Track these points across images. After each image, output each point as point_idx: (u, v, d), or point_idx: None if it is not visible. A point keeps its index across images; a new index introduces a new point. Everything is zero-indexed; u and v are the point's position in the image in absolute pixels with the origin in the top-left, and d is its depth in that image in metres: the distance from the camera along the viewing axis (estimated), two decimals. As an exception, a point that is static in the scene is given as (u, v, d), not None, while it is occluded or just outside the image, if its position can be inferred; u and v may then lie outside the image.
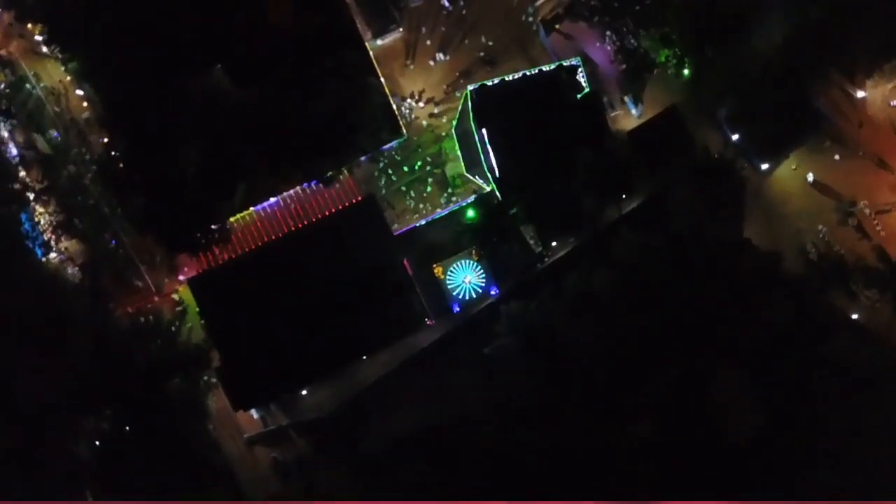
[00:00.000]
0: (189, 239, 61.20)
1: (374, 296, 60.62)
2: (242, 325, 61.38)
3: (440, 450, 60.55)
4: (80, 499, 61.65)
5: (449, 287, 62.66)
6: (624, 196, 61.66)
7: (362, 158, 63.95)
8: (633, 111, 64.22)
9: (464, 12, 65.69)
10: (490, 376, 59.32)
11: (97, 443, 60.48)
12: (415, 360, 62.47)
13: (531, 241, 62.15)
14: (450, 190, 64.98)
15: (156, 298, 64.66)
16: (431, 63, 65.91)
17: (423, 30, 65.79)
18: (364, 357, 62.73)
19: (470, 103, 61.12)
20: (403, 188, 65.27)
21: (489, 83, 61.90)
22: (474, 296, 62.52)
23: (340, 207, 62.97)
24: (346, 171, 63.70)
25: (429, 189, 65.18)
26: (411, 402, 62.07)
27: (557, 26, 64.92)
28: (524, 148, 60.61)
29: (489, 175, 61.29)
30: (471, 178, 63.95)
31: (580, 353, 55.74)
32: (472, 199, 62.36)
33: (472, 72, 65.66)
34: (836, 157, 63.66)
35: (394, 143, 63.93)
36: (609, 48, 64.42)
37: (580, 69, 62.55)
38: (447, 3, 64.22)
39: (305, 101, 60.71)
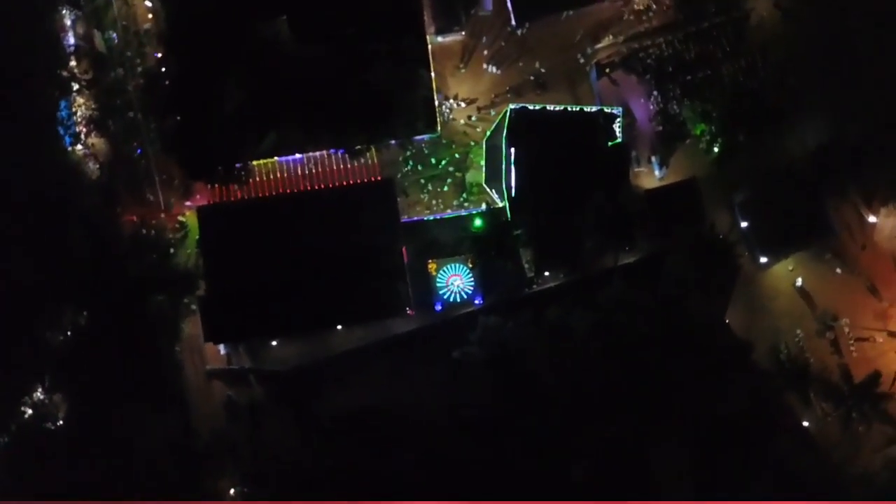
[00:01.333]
0: (210, 169, 63.06)
1: (366, 273, 62.38)
2: (235, 263, 63.25)
3: (382, 432, 62.49)
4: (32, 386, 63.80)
5: (437, 285, 64.46)
6: (625, 248, 63.69)
7: (392, 142, 65.80)
8: (657, 172, 66.16)
9: (525, 34, 67.34)
10: (451, 378, 61.09)
11: (68, 334, 62.66)
12: (385, 343, 64.24)
13: (526, 265, 63.88)
14: (464, 195, 66.87)
15: (162, 215, 66.33)
16: (482, 73, 67.69)
17: (484, 39, 67.43)
18: (339, 327, 64.68)
19: (507, 121, 62.88)
20: (422, 181, 67.18)
21: (530, 107, 63.80)
22: (458, 300, 64.33)
23: (359, 181, 64.79)
24: (373, 149, 65.47)
25: (445, 189, 67.13)
26: (370, 381, 63.78)
27: (609, 72, 66.80)
28: (545, 177, 62.46)
29: (505, 192, 63.18)
30: (487, 189, 65.82)
31: (541, 381, 57.79)
32: (482, 209, 64.40)
33: (519, 92, 67.38)
34: (838, 270, 65.66)
35: (426, 137, 65.77)
36: (651, 107, 66.28)
37: (619, 119, 64.39)
38: (513, 22, 65.76)
39: (356, 73, 62.47)
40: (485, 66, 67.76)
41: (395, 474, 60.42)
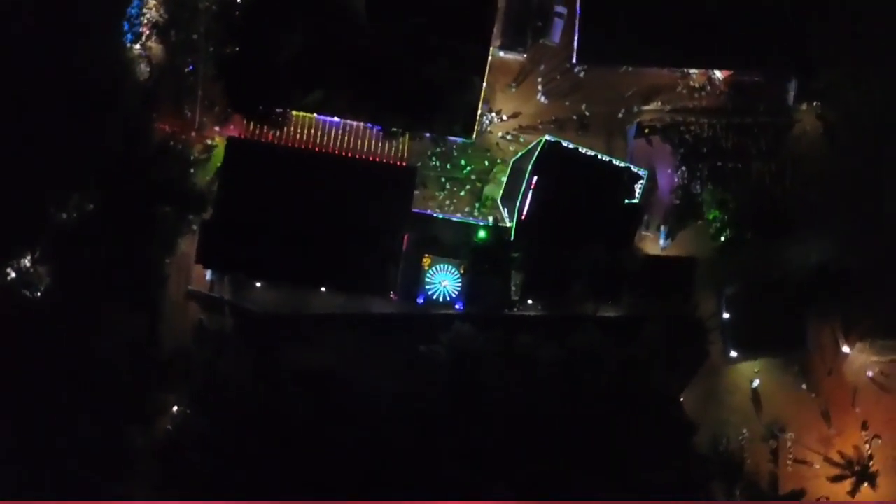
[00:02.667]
0: (252, 106, 65.12)
1: (364, 247, 64.34)
2: (246, 199, 65.38)
3: (333, 400, 64.18)
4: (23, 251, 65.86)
5: (426, 280, 66.35)
6: (608, 302, 65.82)
7: (427, 135, 67.83)
8: (661, 241, 68.13)
9: (582, 75, 69.37)
10: (411, 369, 63.08)
11: (73, 215, 64.79)
12: (361, 317, 66.28)
13: (513, 287, 65.83)
14: (477, 205, 68.83)
15: (193, 134, 68.31)
16: (531, 97, 69.67)
17: (542, 67, 69.39)
18: (323, 289, 66.69)
19: (539, 149, 64.90)
20: (443, 179, 69.17)
21: (564, 143, 65.81)
22: (441, 300, 66.32)
23: (384, 161, 66.90)
24: (407, 136, 67.43)
25: (462, 193, 69.12)
26: (335, 349, 65.31)
27: (647, 134, 68.60)
28: (557, 212, 64.54)
29: (515, 214, 65.18)
30: (500, 206, 67.75)
31: (492, 398, 59.79)
32: (489, 223, 66.42)
33: (561, 126, 69.11)
34: (804, 386, 67.64)
35: (459, 140, 67.82)
36: (675, 180, 68.17)
37: (642, 181, 66.36)
38: (574, 60, 67.73)
39: (414, 61, 64.55)
40: (536, 93, 69.57)
41: (332, 444, 62.27)
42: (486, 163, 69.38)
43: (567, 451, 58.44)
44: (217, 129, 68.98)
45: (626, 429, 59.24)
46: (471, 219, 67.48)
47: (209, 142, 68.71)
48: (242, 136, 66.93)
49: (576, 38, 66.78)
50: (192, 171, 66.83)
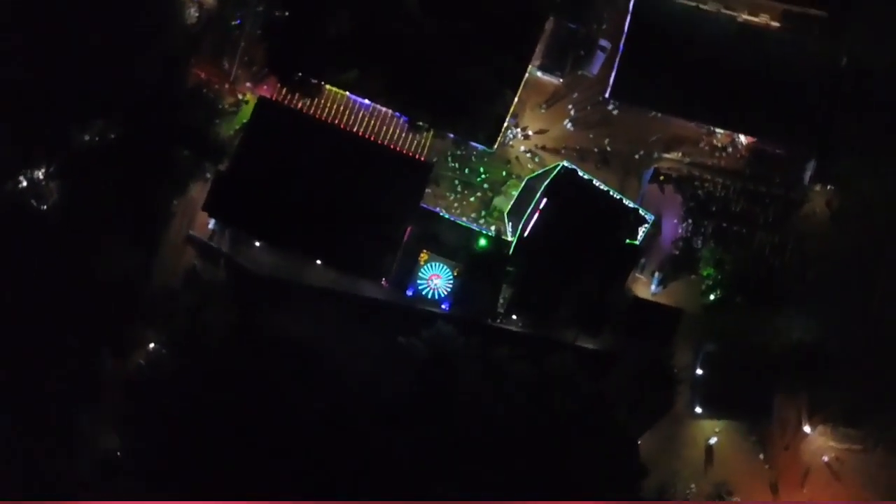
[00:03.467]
0: (290, 71, 66.39)
1: (367, 229, 65.48)
2: (264, 159, 66.36)
3: (302, 372, 65.31)
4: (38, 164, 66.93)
5: (419, 274, 67.53)
6: (589, 334, 67.09)
7: (450, 135, 69.20)
8: (653, 287, 69.36)
9: (612, 111, 70.62)
10: (385, 357, 64.21)
11: (95, 139, 65.98)
12: (348, 297, 67.35)
13: (501, 300, 67.07)
14: (484, 213, 70.08)
15: (226, 86, 69.72)
16: (558, 122, 70.85)
17: (575, 95, 70.65)
18: (319, 262, 67.90)
19: (554, 173, 66.16)
20: (456, 182, 70.38)
21: (580, 173, 66.97)
22: (430, 296, 67.51)
23: (403, 151, 68.09)
24: (431, 133, 68.66)
25: (471, 199, 70.35)
26: (316, 323, 66.26)
27: (662, 181, 70.02)
28: (558, 238, 65.69)
29: (518, 231, 66.37)
30: (505, 219, 68.89)
31: (457, 401, 61.10)
32: (491, 233, 67.62)
33: (580, 155, 70.32)
34: (761, 456, 68.79)
35: (480, 147, 69.10)
36: (679, 231, 69.51)
37: (647, 225, 67.49)
38: (608, 95, 68.98)
39: (453, 62, 65.87)
40: (564, 119, 70.75)
41: (293, 411, 63.37)
42: (503, 174, 70.58)
43: (517, 466, 59.71)
44: (250, 86, 70.30)
45: (580, 458, 60.45)
46: (475, 225, 68.55)
47: (240, 97, 70.02)
48: (273, 98, 68.06)
49: (613, 74, 67.94)
50: (217, 121, 67.93)
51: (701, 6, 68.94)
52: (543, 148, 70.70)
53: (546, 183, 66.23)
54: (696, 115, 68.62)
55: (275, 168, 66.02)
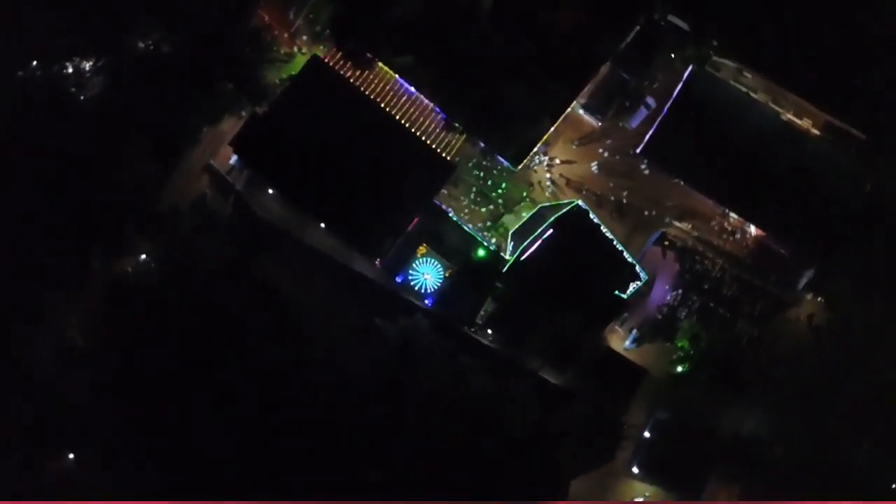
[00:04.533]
0: (350, 39, 68.32)
1: (376, 209, 67.12)
2: (299, 113, 67.77)
3: (278, 326, 67.36)
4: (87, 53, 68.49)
5: (413, 265, 69.09)
6: (554, 368, 68.80)
7: (481, 144, 70.94)
8: (627, 342, 70.83)
9: (639, 166, 72.04)
10: (358, 332, 66.47)
11: (149, 47, 67.62)
12: (340, 266, 68.84)
13: (482, 312, 68.75)
14: (491, 225, 71.63)
15: (286, 35, 71.41)
16: (585, 161, 72.39)
17: (608, 141, 72.19)
18: (323, 225, 69.34)
19: (566, 210, 67.80)
20: (473, 188, 72.01)
21: (591, 216, 68.42)
22: (417, 288, 69.16)
23: (433, 147, 69.56)
24: (463, 137, 70.34)
25: (482, 209, 71.93)
26: (303, 283, 68.58)
27: (666, 246, 71.53)
28: (553, 270, 67.13)
29: (517, 252, 67.80)
30: (509, 238, 70.52)
31: (413, 392, 63.14)
32: (492, 246, 69.14)
33: (597, 199, 71.61)
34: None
35: (505, 163, 70.75)
36: (667, 298, 71.09)
37: (639, 283, 68.86)
38: (639, 150, 70.37)
39: (505, 77, 67.65)
40: (592, 160, 72.24)
41: (256, 361, 65.72)
42: (519, 195, 72.10)
43: (449, 472, 61.90)
44: (307, 41, 71.89)
45: (508, 479, 62.73)
46: (478, 235, 69.98)
47: (295, 49, 71.64)
48: (326, 60, 69.63)
49: (651, 132, 69.33)
50: (267, 65, 69.65)
51: (752, 94, 70.46)
52: (565, 182, 72.20)
53: (556, 215, 67.79)
54: (716, 195, 69.86)
55: (308, 126, 67.46)
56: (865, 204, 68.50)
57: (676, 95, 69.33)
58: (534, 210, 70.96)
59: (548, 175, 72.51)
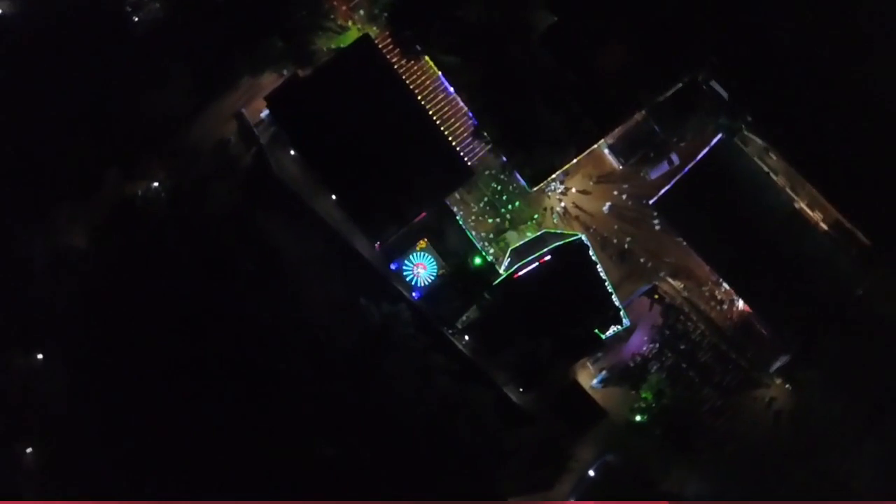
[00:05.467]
0: (405, 26, 69.76)
1: (388, 195, 68.51)
2: (338, 86, 69.05)
3: (263, 280, 69.29)
4: None
5: (410, 256, 70.63)
6: (517, 388, 70.32)
7: (503, 159, 72.37)
8: (594, 382, 72.00)
9: (650, 217, 73.12)
10: (340, 306, 68.15)
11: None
12: (340, 241, 70.32)
13: (463, 318, 70.30)
14: (493, 237, 73.09)
15: (344, 8, 72.72)
16: (598, 201, 73.58)
17: (625, 186, 73.40)
18: (334, 197, 70.71)
19: (568, 241, 69.45)
20: (486, 198, 73.45)
21: (591, 253, 69.79)
22: (407, 279, 70.65)
23: (457, 149, 70.97)
24: (489, 146, 72.06)
25: (489, 220, 73.31)
26: (299, 243, 70.50)
27: (655, 298, 72.77)
28: (540, 294, 68.59)
29: (511, 270, 69.47)
30: (507, 254, 71.95)
31: (380, 377, 65.26)
32: (490, 257, 70.71)
33: (601, 240, 72.83)
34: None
35: (522, 183, 72.11)
36: (643, 349, 72.35)
37: (619, 328, 70.21)
38: (651, 202, 71.47)
39: (544, 98, 69.04)
40: (605, 201, 73.46)
41: (236, 308, 67.88)
42: (528, 215, 73.48)
43: (397, 462, 63.95)
44: (364, 17, 72.95)
45: (449, 485, 64.66)
46: (479, 243, 71.42)
47: (350, 23, 72.61)
48: (377, 41, 70.90)
49: (667, 188, 70.57)
50: (319, 32, 70.80)
51: (772, 175, 71.84)
52: (575, 216, 73.50)
53: (558, 243, 69.36)
54: (714, 263, 70.82)
55: (344, 99, 68.70)
56: (854, 307, 69.66)
57: (700, 159, 70.54)
58: (538, 233, 72.39)
59: (560, 203, 73.87)
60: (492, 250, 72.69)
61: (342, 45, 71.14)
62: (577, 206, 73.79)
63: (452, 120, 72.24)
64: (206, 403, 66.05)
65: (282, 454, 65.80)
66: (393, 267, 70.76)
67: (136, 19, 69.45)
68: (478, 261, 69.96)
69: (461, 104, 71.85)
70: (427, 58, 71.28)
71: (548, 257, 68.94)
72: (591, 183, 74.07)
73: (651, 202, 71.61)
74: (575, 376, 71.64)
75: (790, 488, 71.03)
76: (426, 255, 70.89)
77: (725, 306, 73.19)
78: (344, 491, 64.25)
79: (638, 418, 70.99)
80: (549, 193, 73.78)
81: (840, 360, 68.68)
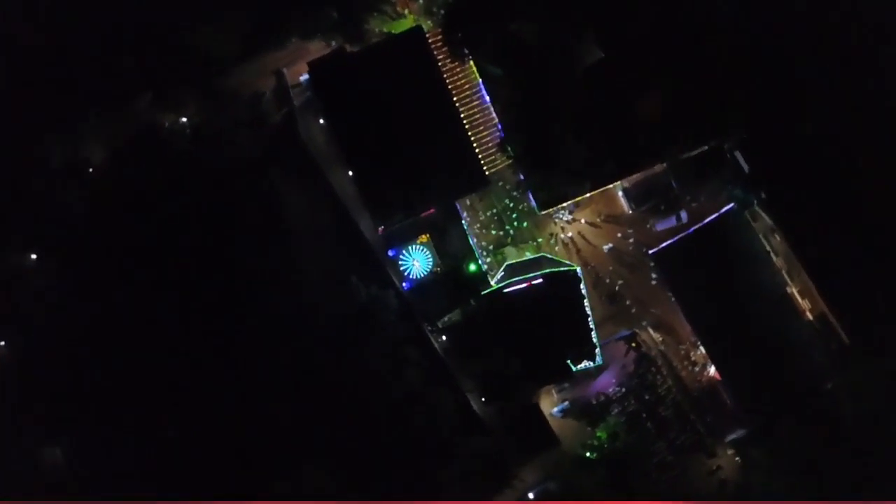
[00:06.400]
0: (458, 30, 71.25)
1: (403, 185, 69.87)
2: (383, 67, 70.59)
3: (259, 241, 70.60)
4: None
5: (409, 247, 72.20)
6: (481, 399, 71.70)
7: (520, 176, 73.73)
8: (554, 410, 73.27)
9: (647, 266, 74.35)
10: (330, 280, 69.40)
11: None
12: (345, 217, 71.59)
13: (446, 318, 71.66)
14: (492, 249, 74.72)
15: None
16: (602, 239, 75.18)
17: (630, 231, 74.94)
18: (351, 174, 72.20)
19: (563, 270, 70.92)
20: (494, 209, 75.06)
21: (581, 287, 71.21)
22: (401, 268, 72.09)
23: (479, 157, 72.20)
24: (509, 161, 73.30)
25: (493, 231, 74.97)
26: (303, 213, 71.92)
27: (632, 347, 74.04)
28: (523, 315, 70.13)
29: (501, 284, 70.95)
30: (501, 267, 73.35)
31: (355, 357, 66.85)
32: (484, 266, 72.10)
33: (596, 278, 74.37)
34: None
35: (533, 204, 73.52)
36: (609, 389, 73.49)
37: (592, 364, 71.55)
38: (651, 252, 72.63)
39: (573, 128, 70.19)
40: (609, 241, 75.06)
41: (233, 265, 69.53)
42: (533, 237, 74.95)
43: (347, 439, 66.02)
44: (420, 9, 74.40)
45: (390, 472, 66.84)
46: (477, 251, 72.82)
47: (406, 11, 74.19)
48: (427, 35, 72.20)
49: (668, 242, 72.05)
50: (376, 14, 72.30)
51: (772, 255, 73.23)
52: (576, 250, 74.90)
53: (552, 269, 70.94)
54: (697, 325, 72.13)
55: (383, 83, 70.18)
56: (820, 399, 70.71)
57: (708, 222, 71.99)
58: (536, 255, 73.81)
59: (564, 232, 75.37)
60: (488, 260, 74.22)
61: (394, 31, 72.68)
62: (580, 238, 75.27)
63: (481, 128, 73.66)
64: (187, 337, 67.35)
65: (239, 408, 67.12)
66: (391, 254, 72.11)
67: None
68: (472, 267, 71.42)
69: (493, 115, 73.26)
70: (472, 63, 72.69)
71: (539, 280, 70.39)
72: (599, 220, 75.61)
73: (651, 252, 73.09)
74: (538, 400, 73.01)
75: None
76: (425, 250, 72.26)
77: (697, 369, 74.59)
78: (288, 455, 66.22)
79: (588, 454, 72.28)
80: (556, 220, 75.27)
81: (794, 446, 69.60)
